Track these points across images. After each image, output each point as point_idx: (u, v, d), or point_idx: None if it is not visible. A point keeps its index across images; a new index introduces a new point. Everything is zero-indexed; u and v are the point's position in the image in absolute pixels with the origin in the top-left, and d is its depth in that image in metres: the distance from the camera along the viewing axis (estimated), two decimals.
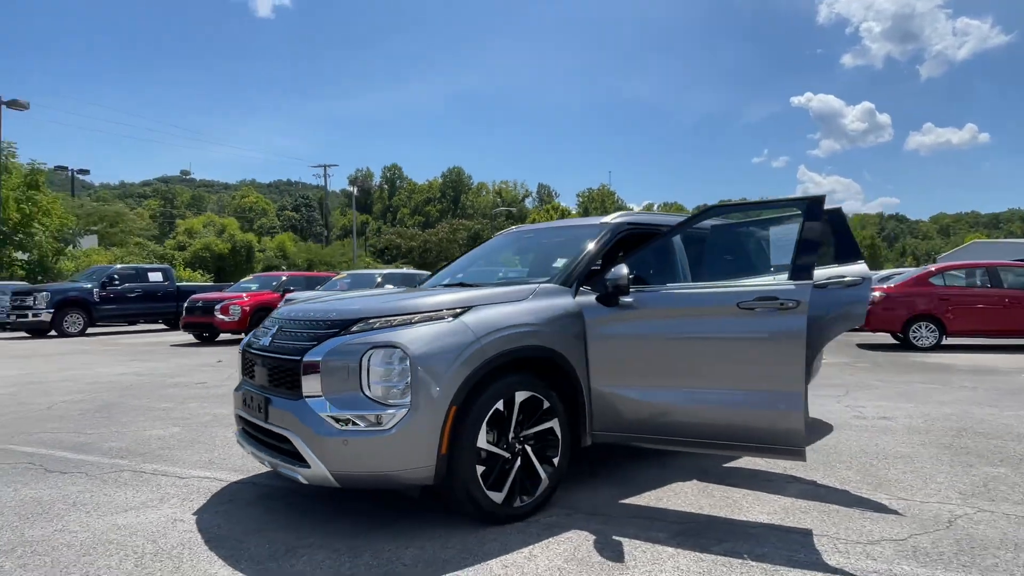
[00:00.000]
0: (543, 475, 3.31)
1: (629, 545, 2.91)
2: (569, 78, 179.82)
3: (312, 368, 2.98)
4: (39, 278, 25.35)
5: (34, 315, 16.46)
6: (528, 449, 3.28)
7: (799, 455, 3.25)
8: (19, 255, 26.24)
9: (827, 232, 4.37)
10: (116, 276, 18.12)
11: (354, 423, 2.87)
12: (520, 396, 3.22)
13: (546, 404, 3.33)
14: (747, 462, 4.28)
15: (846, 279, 4.15)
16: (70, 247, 28.24)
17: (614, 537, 3.00)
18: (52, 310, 16.60)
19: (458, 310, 3.18)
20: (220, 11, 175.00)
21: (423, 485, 2.99)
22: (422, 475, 2.93)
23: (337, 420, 2.88)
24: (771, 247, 4.44)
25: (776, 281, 3.53)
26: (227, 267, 38.05)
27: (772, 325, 3.26)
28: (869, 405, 6.28)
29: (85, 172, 39.44)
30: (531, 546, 2.90)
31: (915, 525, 3.16)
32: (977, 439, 4.85)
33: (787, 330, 3.22)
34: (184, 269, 34.65)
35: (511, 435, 3.21)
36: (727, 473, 4.06)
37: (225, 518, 3.30)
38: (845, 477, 3.95)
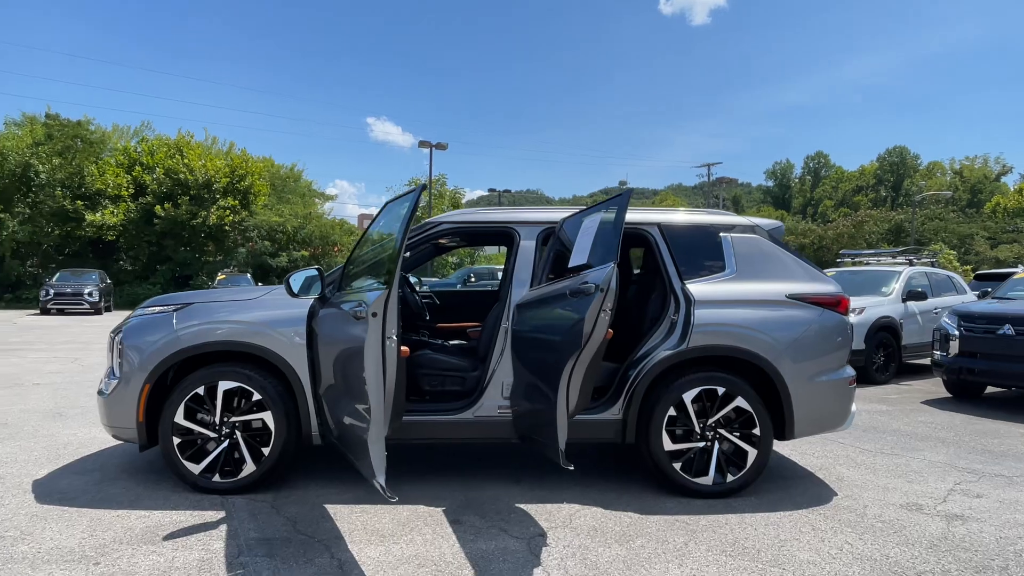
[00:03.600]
0: (248, 460, 3.64)
1: (204, 535, 3.08)
2: None
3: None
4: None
5: None
6: (239, 435, 3.66)
7: (383, 490, 2.76)
8: (451, 259, 34.60)
9: (609, 225, 3.15)
10: (473, 275, 22.50)
11: (102, 388, 3.84)
12: (225, 385, 3.64)
13: (256, 396, 3.64)
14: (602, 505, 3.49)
15: (588, 286, 2.96)
16: (478, 252, 35.97)
17: (222, 526, 3.19)
18: None
19: (178, 305, 3.80)
20: (658, 26, 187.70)
21: (131, 443, 3.74)
22: (129, 436, 3.70)
23: (101, 384, 3.90)
24: (574, 246, 3.46)
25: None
26: None
27: (358, 335, 2.84)
28: (995, 495, 3.81)
29: (507, 192, 48.96)
30: (159, 511, 3.36)
31: None
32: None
33: (357, 341, 2.78)
34: None
35: (217, 418, 3.65)
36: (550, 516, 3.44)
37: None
38: (593, 560, 2.92)
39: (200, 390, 3.64)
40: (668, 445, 3.69)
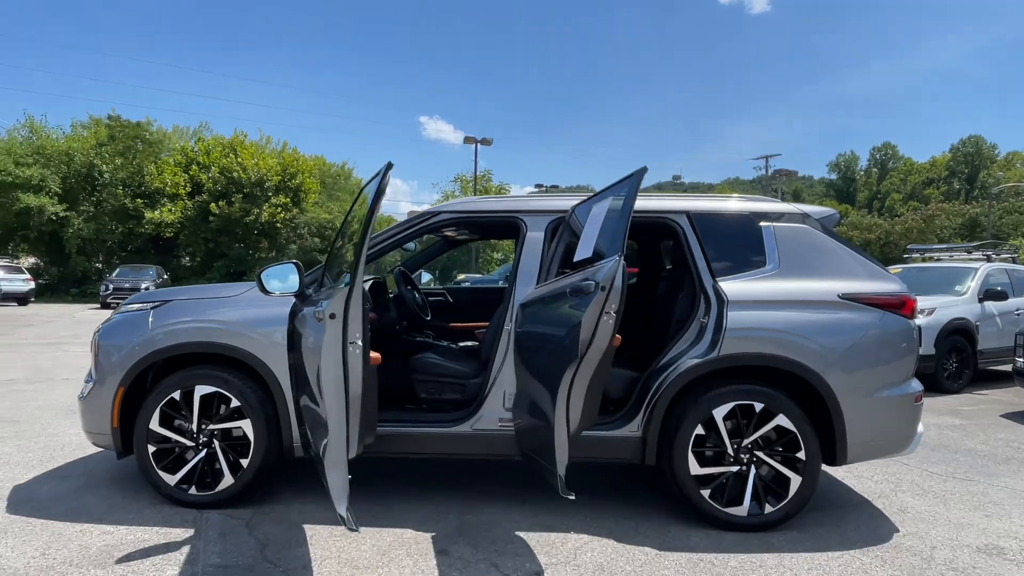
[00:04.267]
0: (225, 472, 3.33)
1: (162, 558, 2.78)
2: None
3: None
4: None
5: None
6: (216, 444, 3.36)
7: (344, 521, 2.38)
8: (496, 255, 34.37)
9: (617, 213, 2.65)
10: None
11: (82, 391, 3.60)
12: (201, 390, 3.34)
13: (235, 403, 3.33)
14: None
15: (587, 283, 2.48)
16: None
17: (184, 548, 2.89)
18: None
19: (156, 303, 3.52)
20: (714, 14, 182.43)
21: (114, 451, 3.48)
22: (105, 442, 3.45)
23: (82, 388, 3.68)
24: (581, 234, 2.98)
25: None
26: None
27: (318, 340, 2.46)
28: None
29: (556, 187, 48.46)
30: (126, 526, 3.09)
31: None
32: None
33: (317, 348, 2.40)
34: None
35: (194, 426, 3.36)
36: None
37: None
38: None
39: (176, 395, 3.36)
40: (695, 468, 3.19)
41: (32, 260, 30.91)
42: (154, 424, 3.35)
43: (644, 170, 2.71)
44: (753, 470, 3.19)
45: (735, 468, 3.21)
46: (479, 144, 30.31)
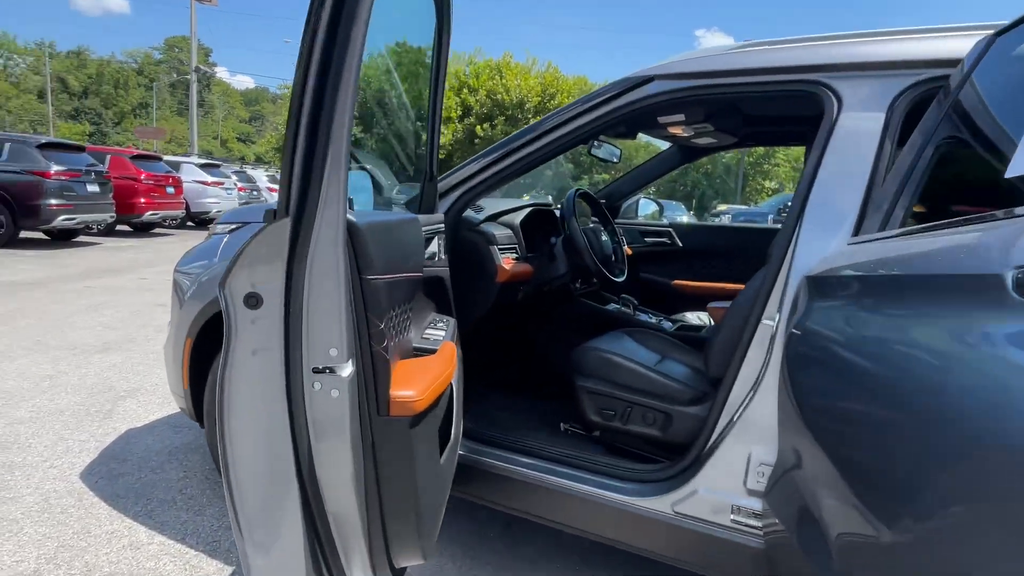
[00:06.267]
0: None
1: None
2: None
3: None
4: None
5: None
6: None
7: None
8: (768, 183, 30.07)
9: None
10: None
11: None
12: None
13: None
14: None
15: None
16: None
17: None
18: None
19: (236, 224, 2.48)
20: None
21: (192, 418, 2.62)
22: (182, 404, 2.60)
23: None
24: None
25: None
26: None
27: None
28: None
29: None
30: (161, 536, 2.19)
31: None
32: None
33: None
34: None
35: None
36: None
37: None
38: None
39: None
40: None
41: None
42: None
43: None
44: None
45: None
46: None
